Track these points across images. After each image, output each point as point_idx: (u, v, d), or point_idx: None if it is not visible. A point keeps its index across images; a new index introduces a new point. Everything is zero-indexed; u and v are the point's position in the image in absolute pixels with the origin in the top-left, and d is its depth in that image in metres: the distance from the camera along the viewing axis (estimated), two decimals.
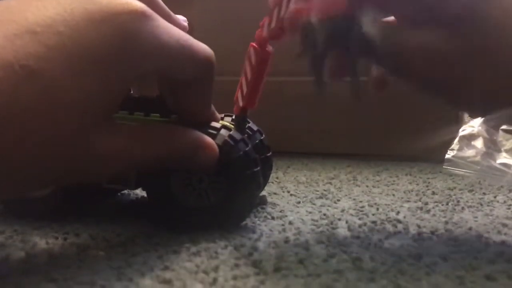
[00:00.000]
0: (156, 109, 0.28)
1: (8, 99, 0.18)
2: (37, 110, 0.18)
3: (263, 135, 0.33)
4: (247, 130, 0.30)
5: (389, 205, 0.35)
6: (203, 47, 0.24)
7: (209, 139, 0.25)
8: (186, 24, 0.27)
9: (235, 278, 0.20)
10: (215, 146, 0.25)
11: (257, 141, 0.31)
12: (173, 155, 0.24)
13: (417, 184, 0.45)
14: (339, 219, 0.31)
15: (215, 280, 0.20)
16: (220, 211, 0.27)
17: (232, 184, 0.26)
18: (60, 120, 0.19)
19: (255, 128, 0.32)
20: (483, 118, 0.56)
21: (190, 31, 0.26)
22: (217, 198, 0.27)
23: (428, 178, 0.48)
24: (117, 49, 0.20)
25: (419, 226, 0.29)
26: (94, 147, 0.21)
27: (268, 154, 0.33)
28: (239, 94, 0.29)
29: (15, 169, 0.19)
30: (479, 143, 0.55)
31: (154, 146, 0.23)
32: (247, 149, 0.27)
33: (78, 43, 0.19)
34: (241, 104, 0.28)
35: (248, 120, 0.31)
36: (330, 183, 0.45)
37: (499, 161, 0.52)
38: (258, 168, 0.27)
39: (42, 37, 0.19)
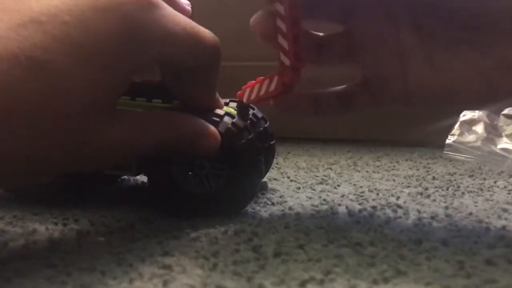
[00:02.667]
0: (158, 94, 0.28)
1: (14, 92, 0.18)
2: (42, 101, 0.18)
3: (267, 123, 0.32)
4: (251, 117, 0.29)
5: (389, 190, 0.35)
6: (209, 34, 0.24)
7: (211, 127, 0.25)
8: (189, 8, 0.27)
9: (235, 263, 0.20)
10: (218, 134, 0.25)
11: (261, 129, 0.31)
12: (175, 142, 0.24)
13: (418, 170, 0.45)
14: (339, 205, 0.30)
15: (215, 265, 0.20)
16: (221, 198, 0.27)
17: (233, 172, 0.26)
18: (65, 111, 0.19)
19: (259, 115, 0.32)
20: None
21: (191, 16, 0.25)
22: (218, 185, 0.27)
23: (429, 164, 0.48)
24: (122, 38, 0.20)
25: (419, 211, 0.29)
26: (98, 137, 0.21)
27: (272, 142, 0.33)
28: (281, 56, 0.25)
29: (19, 160, 0.19)
30: (479, 128, 0.55)
31: (156, 133, 0.23)
32: (250, 137, 0.27)
33: (84, 33, 0.19)
34: (288, 63, 0.24)
35: (253, 106, 0.31)
36: (330, 168, 0.45)
37: (499, 146, 0.52)
38: (261, 155, 0.27)
39: (47, 27, 0.19)
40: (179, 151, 0.25)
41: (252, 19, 0.26)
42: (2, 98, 0.17)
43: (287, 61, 0.24)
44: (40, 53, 0.18)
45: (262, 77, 0.27)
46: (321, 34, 0.28)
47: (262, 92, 0.26)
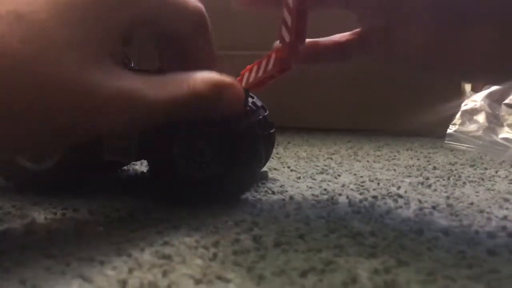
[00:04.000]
0: None
1: None
2: (27, 52, 0.18)
3: (267, 112, 0.32)
4: (251, 105, 0.29)
5: (390, 180, 0.35)
6: (192, 1, 0.24)
7: (229, 78, 0.24)
8: None
9: (235, 253, 0.20)
10: (238, 84, 0.24)
11: (260, 117, 0.31)
12: (195, 97, 0.22)
13: (418, 159, 0.44)
14: (340, 194, 0.30)
15: (215, 255, 0.20)
16: (221, 183, 0.27)
17: (233, 157, 0.26)
18: (53, 60, 0.19)
19: (259, 103, 0.32)
20: (486, 93, 0.56)
21: None
22: (219, 170, 0.26)
23: (429, 153, 0.48)
24: None
25: (420, 201, 0.29)
26: (96, 86, 0.19)
27: (271, 131, 0.33)
28: (283, 31, 0.24)
29: (10, 119, 0.18)
30: (481, 118, 0.54)
31: (170, 88, 0.22)
32: (249, 121, 0.26)
33: None
34: (287, 39, 0.24)
35: (252, 95, 0.30)
36: (331, 158, 0.44)
37: (501, 135, 0.52)
38: (261, 141, 0.27)
39: None
40: (200, 110, 0.23)
41: None
42: None
43: (287, 37, 0.24)
44: (21, 6, 0.18)
45: (259, 60, 0.26)
46: None
47: (260, 73, 0.26)
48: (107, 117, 0.20)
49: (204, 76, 0.23)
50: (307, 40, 0.26)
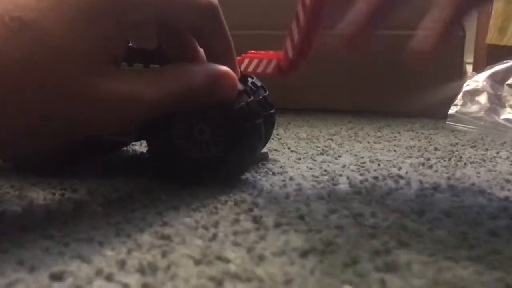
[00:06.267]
0: (155, 60, 0.27)
1: (1, 51, 0.18)
2: (31, 59, 0.18)
3: (267, 92, 0.32)
4: (250, 85, 0.29)
5: (390, 161, 0.35)
6: None
7: (224, 67, 0.24)
8: None
9: (235, 233, 0.20)
10: (233, 73, 0.24)
11: (260, 97, 0.30)
12: (191, 91, 0.23)
13: (419, 140, 0.44)
14: (340, 175, 0.30)
15: (214, 236, 0.20)
16: (221, 162, 0.26)
17: (233, 135, 0.26)
18: (56, 67, 0.19)
19: (258, 83, 0.31)
20: (488, 73, 0.55)
21: None
22: (218, 149, 0.26)
23: (430, 134, 0.47)
24: None
25: (421, 182, 0.29)
26: (99, 92, 0.20)
27: (271, 111, 0.32)
28: (288, 44, 0.24)
29: (15, 123, 0.18)
30: (483, 99, 0.54)
31: (168, 83, 0.22)
32: (249, 100, 0.26)
33: None
34: (290, 54, 0.24)
35: (251, 75, 0.30)
36: (331, 139, 0.44)
37: (502, 116, 0.51)
38: (260, 120, 0.27)
39: None
40: (197, 100, 0.24)
41: None
42: None
43: (290, 52, 0.24)
44: (25, 13, 0.18)
45: (262, 52, 0.26)
46: None
47: (258, 70, 0.26)
48: (109, 119, 0.21)
49: (199, 69, 0.24)
50: None
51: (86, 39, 0.19)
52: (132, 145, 0.38)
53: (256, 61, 0.27)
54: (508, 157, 0.36)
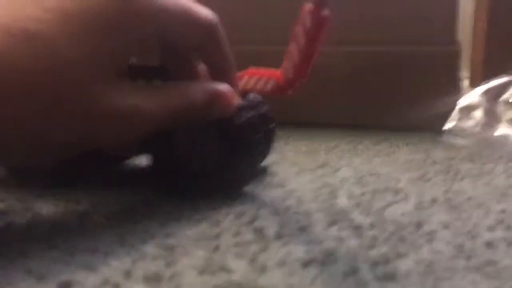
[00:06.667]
0: (158, 76, 0.27)
1: (7, 62, 0.18)
2: (37, 71, 0.18)
3: (267, 106, 0.32)
4: (251, 99, 0.29)
5: (389, 174, 0.35)
6: (203, 10, 0.24)
7: (224, 86, 0.25)
8: None
9: (237, 244, 0.20)
10: (232, 91, 0.25)
11: (261, 112, 0.31)
12: (191, 107, 0.24)
13: (418, 154, 0.45)
14: (340, 188, 0.31)
15: (217, 247, 0.20)
16: (222, 175, 0.27)
17: (234, 149, 0.26)
18: (62, 80, 0.19)
19: (259, 98, 0.32)
20: (484, 89, 0.56)
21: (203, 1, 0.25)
22: (219, 162, 0.27)
23: (428, 148, 0.48)
24: (116, 9, 0.20)
25: (419, 195, 0.29)
26: (104, 106, 0.20)
27: (271, 126, 0.33)
28: (287, 64, 0.25)
29: (19, 135, 0.19)
30: (479, 114, 0.55)
31: (170, 101, 0.23)
32: (250, 115, 0.27)
33: (77, 5, 0.19)
34: (290, 75, 0.25)
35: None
36: (331, 152, 0.45)
37: (498, 132, 0.52)
38: (261, 134, 0.27)
39: (40, 0, 0.19)
40: (196, 116, 0.25)
41: None
42: None
43: (290, 73, 0.25)
44: (32, 24, 0.18)
45: (263, 70, 0.27)
46: None
47: (257, 88, 0.27)
48: (111, 132, 0.21)
49: (199, 87, 0.25)
50: None
51: (91, 51, 0.20)
52: (134, 158, 0.38)
53: (255, 79, 0.27)
54: (505, 171, 0.37)
